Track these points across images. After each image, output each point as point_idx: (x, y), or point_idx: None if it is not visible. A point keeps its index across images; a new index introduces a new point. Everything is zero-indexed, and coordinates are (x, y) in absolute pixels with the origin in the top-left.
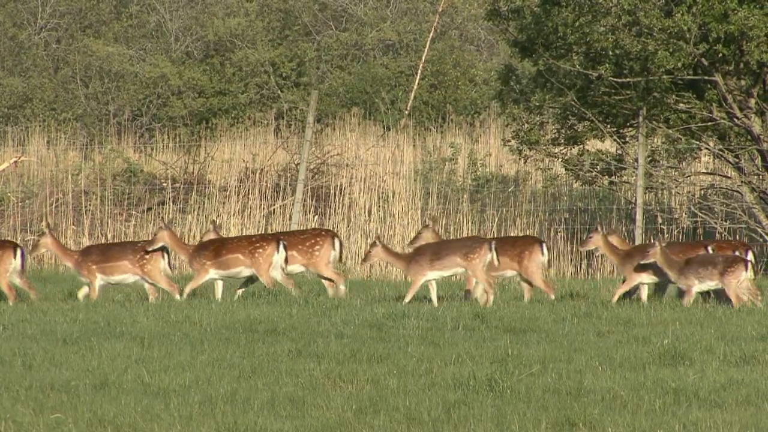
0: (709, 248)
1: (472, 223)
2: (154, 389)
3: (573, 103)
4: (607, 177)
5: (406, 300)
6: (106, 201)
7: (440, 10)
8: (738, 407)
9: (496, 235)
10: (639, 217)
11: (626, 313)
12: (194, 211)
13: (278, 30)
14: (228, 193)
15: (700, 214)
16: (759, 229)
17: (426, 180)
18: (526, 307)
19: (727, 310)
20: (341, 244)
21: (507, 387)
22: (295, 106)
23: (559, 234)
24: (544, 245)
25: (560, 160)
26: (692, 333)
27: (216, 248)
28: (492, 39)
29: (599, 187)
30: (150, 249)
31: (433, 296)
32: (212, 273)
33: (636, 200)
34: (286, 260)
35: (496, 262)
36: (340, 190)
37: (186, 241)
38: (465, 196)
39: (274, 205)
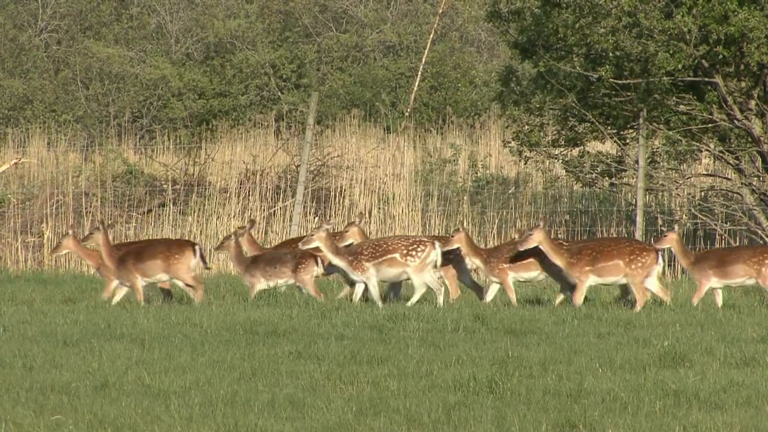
0: None
1: (472, 224)
2: (154, 391)
3: (573, 104)
4: (607, 179)
5: None
6: (106, 202)
7: (440, 11)
8: (738, 409)
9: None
10: (639, 219)
11: (626, 315)
12: (194, 212)
13: (278, 32)
14: (228, 194)
15: (700, 215)
16: (759, 231)
17: (426, 182)
18: (526, 309)
19: (727, 312)
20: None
21: (507, 389)
22: (295, 107)
23: (559, 236)
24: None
25: (560, 161)
26: (692, 335)
27: None
28: (492, 40)
29: (600, 188)
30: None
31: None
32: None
33: (636, 202)
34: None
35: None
36: (341, 191)
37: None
38: (465, 197)
39: (275, 206)
